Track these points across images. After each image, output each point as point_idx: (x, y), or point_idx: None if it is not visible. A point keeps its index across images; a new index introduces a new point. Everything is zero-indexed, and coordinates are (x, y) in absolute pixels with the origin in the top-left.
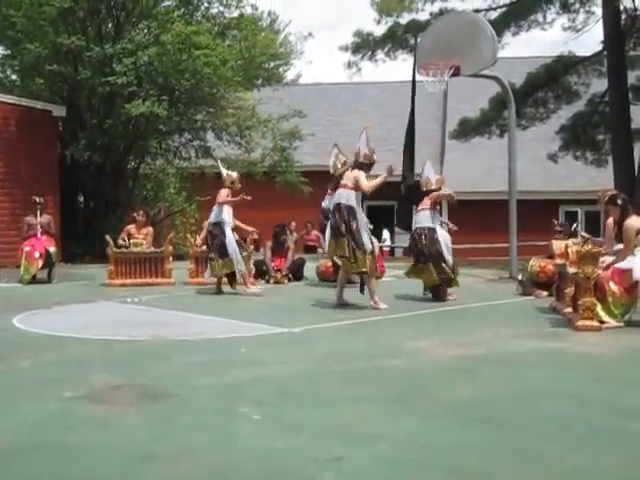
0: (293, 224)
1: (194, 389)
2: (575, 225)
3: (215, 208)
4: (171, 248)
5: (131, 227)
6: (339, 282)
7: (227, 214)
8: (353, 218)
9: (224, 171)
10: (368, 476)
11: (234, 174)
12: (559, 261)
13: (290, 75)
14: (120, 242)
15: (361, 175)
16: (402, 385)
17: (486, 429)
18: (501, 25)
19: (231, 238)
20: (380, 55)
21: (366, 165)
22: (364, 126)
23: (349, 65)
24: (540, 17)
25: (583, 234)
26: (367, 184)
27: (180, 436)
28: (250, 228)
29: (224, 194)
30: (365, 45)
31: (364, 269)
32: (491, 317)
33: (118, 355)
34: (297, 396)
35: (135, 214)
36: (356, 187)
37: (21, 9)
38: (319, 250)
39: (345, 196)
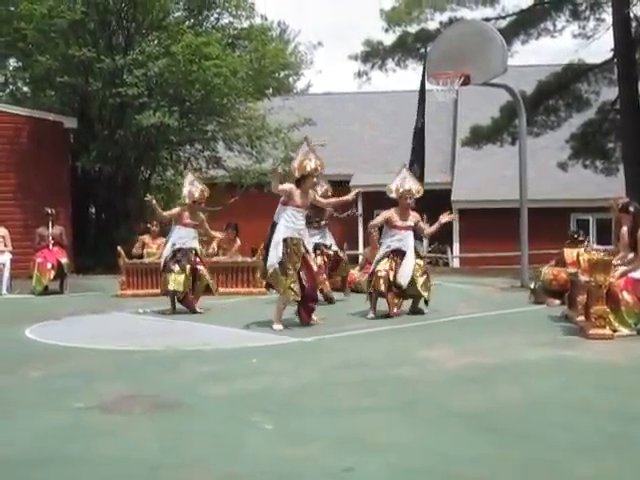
0: None
1: (205, 399)
2: (587, 241)
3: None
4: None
5: (146, 237)
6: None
7: (176, 234)
8: (271, 233)
9: (186, 188)
10: None
11: (196, 192)
12: (571, 269)
13: (300, 85)
14: (135, 251)
15: (284, 187)
16: (413, 394)
17: (496, 438)
18: (511, 33)
19: (162, 256)
20: (390, 64)
21: (302, 177)
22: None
23: (359, 74)
24: (550, 25)
25: (597, 247)
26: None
27: (191, 446)
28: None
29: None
30: (375, 54)
31: (270, 281)
32: (503, 325)
33: (129, 365)
34: (308, 406)
35: (149, 225)
36: (285, 201)
37: (32, 21)
38: None
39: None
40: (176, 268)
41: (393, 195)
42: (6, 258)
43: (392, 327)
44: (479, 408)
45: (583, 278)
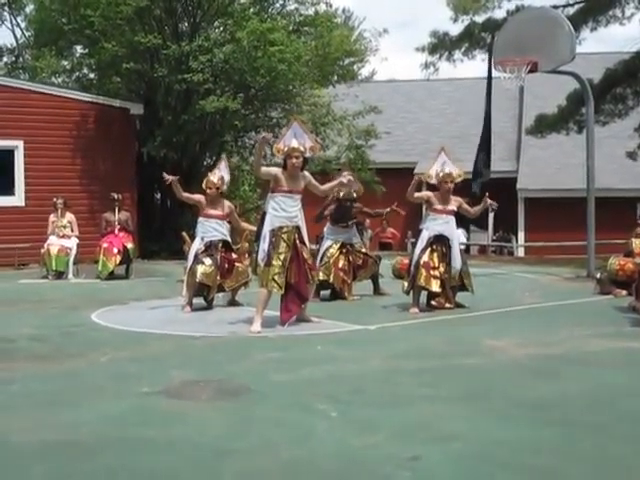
0: (368, 221)
1: (270, 385)
2: None
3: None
4: (247, 245)
5: None
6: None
7: (200, 226)
8: (260, 225)
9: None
10: (444, 475)
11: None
12: (639, 259)
13: (365, 72)
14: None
15: (270, 170)
16: (478, 384)
17: (562, 428)
18: (579, 20)
19: (192, 249)
20: (457, 55)
21: (283, 161)
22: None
23: (426, 65)
24: (619, 12)
25: None
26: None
27: (257, 432)
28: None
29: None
30: (442, 45)
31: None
32: (568, 316)
33: (195, 351)
34: (373, 394)
35: None
36: (273, 187)
37: (99, 9)
38: None
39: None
40: (208, 261)
41: (433, 181)
42: (72, 243)
43: (455, 316)
44: (545, 399)
45: None
